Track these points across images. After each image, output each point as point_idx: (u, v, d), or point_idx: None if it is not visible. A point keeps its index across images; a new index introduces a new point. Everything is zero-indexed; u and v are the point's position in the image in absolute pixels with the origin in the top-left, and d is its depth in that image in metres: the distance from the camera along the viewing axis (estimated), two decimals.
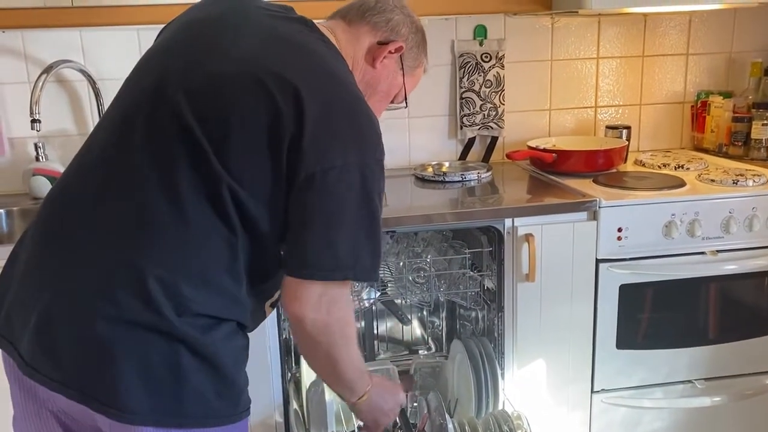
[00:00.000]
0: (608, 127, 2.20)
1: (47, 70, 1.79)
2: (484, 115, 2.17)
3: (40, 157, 1.95)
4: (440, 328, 2.23)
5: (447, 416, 1.44)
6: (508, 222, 1.68)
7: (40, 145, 1.95)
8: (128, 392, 0.93)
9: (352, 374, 1.13)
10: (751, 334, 1.84)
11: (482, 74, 2.15)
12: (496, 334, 1.79)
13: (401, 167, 2.16)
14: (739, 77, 2.28)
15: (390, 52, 1.19)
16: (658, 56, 2.26)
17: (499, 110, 2.18)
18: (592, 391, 1.81)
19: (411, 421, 1.52)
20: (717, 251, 1.76)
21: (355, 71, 1.17)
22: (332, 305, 1.03)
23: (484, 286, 1.86)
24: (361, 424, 1.69)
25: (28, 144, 1.97)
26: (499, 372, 1.69)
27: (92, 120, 2.00)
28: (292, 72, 0.99)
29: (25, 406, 1.05)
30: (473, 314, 2.00)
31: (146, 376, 0.94)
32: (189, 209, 0.97)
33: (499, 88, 2.17)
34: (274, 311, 1.46)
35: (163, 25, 1.17)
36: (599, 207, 1.69)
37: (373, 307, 2.17)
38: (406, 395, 1.38)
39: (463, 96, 2.16)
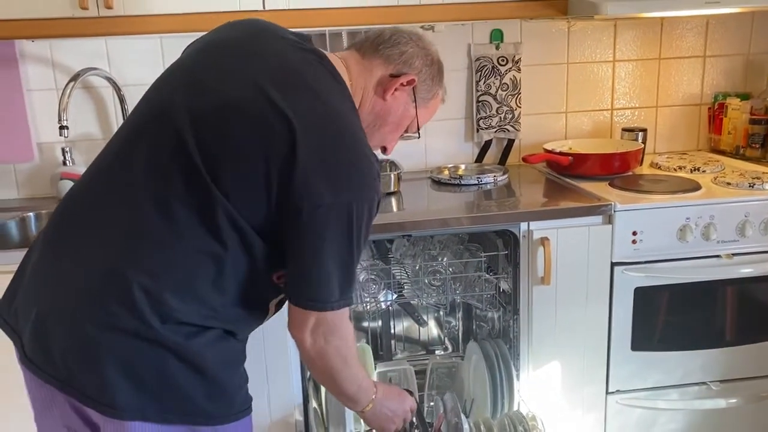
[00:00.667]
0: (624, 130, 2.21)
1: (74, 77, 1.84)
2: (500, 118, 2.20)
3: (68, 162, 2.01)
4: (456, 328, 2.26)
5: (462, 416, 1.47)
6: (523, 226, 1.71)
7: (67, 149, 2.01)
8: (116, 391, 0.99)
9: (351, 389, 1.20)
10: (767, 337, 1.85)
11: (499, 77, 2.17)
12: (511, 336, 1.82)
13: (417, 170, 2.19)
14: (756, 79, 2.28)
15: (402, 85, 1.19)
16: (674, 59, 2.26)
17: (516, 113, 2.20)
18: (607, 393, 1.83)
19: (427, 421, 1.55)
20: (732, 254, 1.77)
21: (364, 103, 1.19)
22: (329, 334, 1.10)
23: (499, 288, 1.88)
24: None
25: (56, 149, 2.03)
26: (514, 373, 1.72)
27: (117, 125, 2.06)
28: (292, 107, 1.03)
29: (38, 392, 1.11)
30: (489, 315, 2.02)
31: (133, 378, 0.99)
32: (180, 225, 1.01)
33: (516, 92, 2.19)
34: None
35: (185, 34, 1.21)
36: (614, 211, 1.71)
37: (390, 308, 2.21)
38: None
39: (480, 99, 2.18)
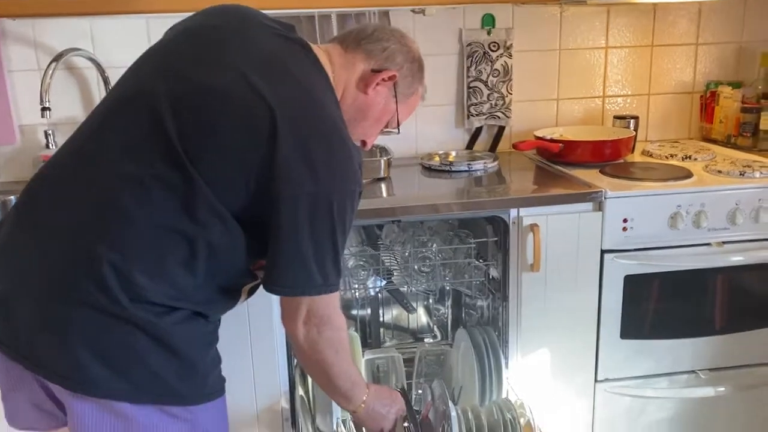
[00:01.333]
0: (616, 117, 2.19)
1: (57, 58, 1.80)
2: (491, 104, 2.17)
3: (50, 144, 1.97)
4: (446, 316, 2.24)
5: (450, 403, 1.46)
6: (513, 212, 1.69)
7: (50, 132, 1.96)
8: (84, 369, 0.98)
9: (345, 384, 1.20)
10: (756, 325, 1.85)
11: (490, 63, 2.14)
12: (500, 324, 1.80)
13: (408, 156, 2.17)
14: (749, 67, 2.27)
15: (383, 80, 1.21)
16: (667, 46, 2.25)
17: (507, 100, 2.18)
18: (596, 381, 1.82)
19: (415, 408, 1.54)
20: (723, 242, 1.76)
21: (346, 97, 1.20)
22: (321, 325, 1.11)
23: (489, 275, 1.87)
24: None
25: (38, 131, 1.99)
26: (503, 361, 1.70)
27: None
28: (273, 95, 1.02)
29: (6, 372, 1.09)
30: (478, 303, 2.01)
31: (102, 356, 0.98)
32: (154, 205, 1.00)
33: (507, 78, 2.16)
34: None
35: (172, 15, 1.18)
36: (605, 198, 1.69)
37: (379, 296, 2.19)
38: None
39: (471, 85, 2.16)
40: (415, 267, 1.89)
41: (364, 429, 1.53)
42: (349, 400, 1.25)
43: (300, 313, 1.10)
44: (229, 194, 1.03)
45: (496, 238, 1.79)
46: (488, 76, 2.15)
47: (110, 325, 0.98)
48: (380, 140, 2.06)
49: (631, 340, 1.80)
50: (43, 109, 1.75)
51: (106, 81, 1.96)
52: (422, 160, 2.08)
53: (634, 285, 1.75)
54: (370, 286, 1.87)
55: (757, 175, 1.78)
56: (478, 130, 2.21)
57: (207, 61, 1.07)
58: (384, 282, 1.92)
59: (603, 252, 1.72)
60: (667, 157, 2.02)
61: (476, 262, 1.83)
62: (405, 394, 1.54)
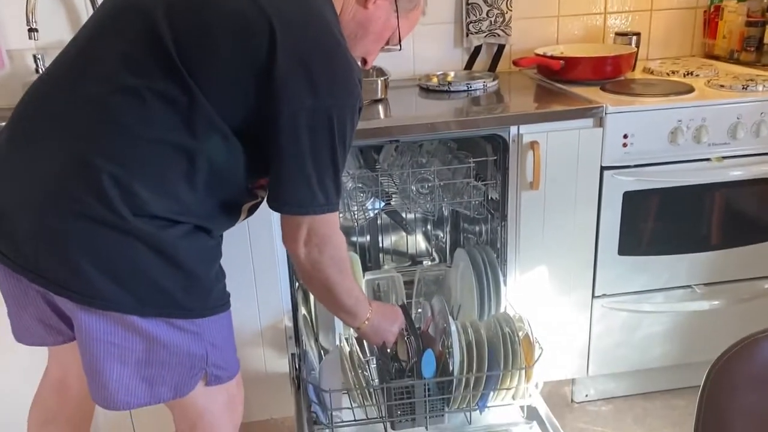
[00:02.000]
0: (617, 34, 2.15)
1: None
2: (490, 21, 2.12)
3: (40, 69, 1.92)
4: (444, 240, 2.26)
5: (450, 318, 1.49)
6: (513, 130, 1.67)
7: (39, 57, 1.92)
8: (88, 281, 0.98)
9: (349, 301, 1.23)
10: (753, 240, 1.86)
11: None
12: (499, 245, 1.82)
13: (406, 78, 2.13)
14: None
15: None
16: None
17: (507, 16, 2.12)
18: (593, 296, 1.85)
19: (416, 325, 1.57)
20: (723, 157, 1.75)
21: (345, 11, 1.17)
22: (323, 245, 1.12)
23: (488, 196, 1.87)
24: None
25: (27, 56, 1.94)
26: (501, 278, 1.73)
27: None
28: (272, 8, 1.00)
29: (11, 288, 1.11)
30: (477, 227, 2.02)
31: (106, 268, 0.98)
32: (153, 116, 0.99)
33: None
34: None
35: None
36: (605, 113, 1.67)
37: (378, 221, 2.20)
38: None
39: (470, 2, 2.09)
40: (414, 188, 1.89)
41: (365, 343, 1.57)
42: (354, 317, 1.28)
43: (301, 233, 1.10)
44: (229, 109, 1.02)
45: (495, 157, 1.78)
46: None
47: (112, 238, 0.98)
48: (377, 61, 2.02)
49: (628, 257, 1.82)
50: (30, 30, 1.71)
51: (93, 2, 1.90)
52: (420, 81, 2.05)
53: (632, 201, 1.76)
54: (369, 208, 1.87)
55: (760, 88, 1.75)
56: (477, 49, 2.16)
57: None
58: (383, 204, 1.92)
59: (603, 168, 1.72)
60: (668, 74, 1.99)
61: (475, 183, 1.83)
62: (405, 309, 1.57)
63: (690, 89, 1.79)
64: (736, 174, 1.76)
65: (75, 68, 1.04)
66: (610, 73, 1.94)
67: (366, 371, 1.53)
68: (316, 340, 1.77)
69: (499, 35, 2.14)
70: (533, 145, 1.66)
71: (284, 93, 1.00)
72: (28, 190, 1.00)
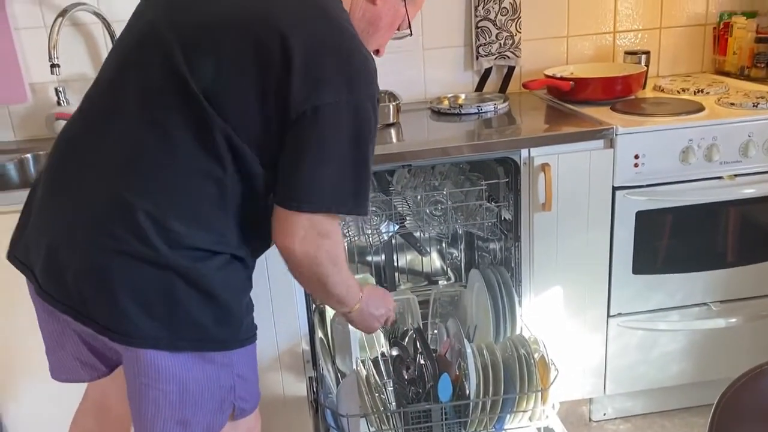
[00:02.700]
0: (627, 53, 2.16)
1: (62, 13, 1.80)
2: (500, 44, 2.15)
3: (62, 102, 1.98)
4: (459, 259, 2.27)
5: (465, 341, 1.50)
6: (524, 152, 1.69)
7: (61, 89, 1.98)
8: (126, 317, 1.00)
9: (341, 291, 1.19)
10: (767, 257, 1.86)
11: (498, 2, 2.10)
12: (513, 264, 1.83)
13: (417, 101, 2.16)
14: None
15: None
16: None
17: (516, 39, 2.15)
18: (609, 316, 1.86)
19: (432, 347, 1.58)
20: (735, 175, 1.76)
21: (354, 11, 1.17)
22: (322, 239, 1.07)
23: (501, 216, 1.88)
24: (384, 350, 1.77)
25: (49, 89, 2.00)
26: (516, 299, 1.74)
27: None
28: (277, 13, 1.01)
29: (50, 326, 1.15)
30: (491, 245, 2.03)
31: (142, 302, 1.01)
32: (177, 148, 1.01)
33: (516, 16, 2.13)
34: None
35: None
36: (616, 134, 1.69)
37: (393, 241, 2.22)
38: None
39: (479, 25, 2.12)
40: (427, 211, 1.91)
41: (382, 366, 1.58)
42: (344, 304, 1.24)
43: (299, 228, 1.05)
44: (250, 127, 1.02)
45: (507, 180, 1.79)
46: (497, 15, 2.12)
47: (150, 273, 1.00)
48: (389, 85, 2.07)
49: (643, 275, 1.82)
50: (53, 65, 1.76)
51: (112, 36, 1.95)
52: (431, 104, 2.08)
53: (645, 221, 1.76)
54: (383, 231, 1.90)
55: None
56: (488, 71, 2.19)
57: (210, 4, 1.05)
58: (397, 227, 1.95)
59: (614, 189, 1.73)
60: (678, 92, 2.00)
61: (488, 204, 1.85)
62: (421, 332, 1.58)
63: (700, 108, 1.80)
64: (749, 192, 1.77)
65: (101, 107, 1.08)
66: (620, 92, 1.96)
67: (383, 394, 1.55)
68: (333, 362, 1.79)
69: (508, 57, 2.16)
70: (544, 167, 1.68)
71: (303, 94, 1.00)
72: (70, 230, 1.03)
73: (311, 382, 1.74)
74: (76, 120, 1.11)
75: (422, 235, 2.14)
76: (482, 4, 2.10)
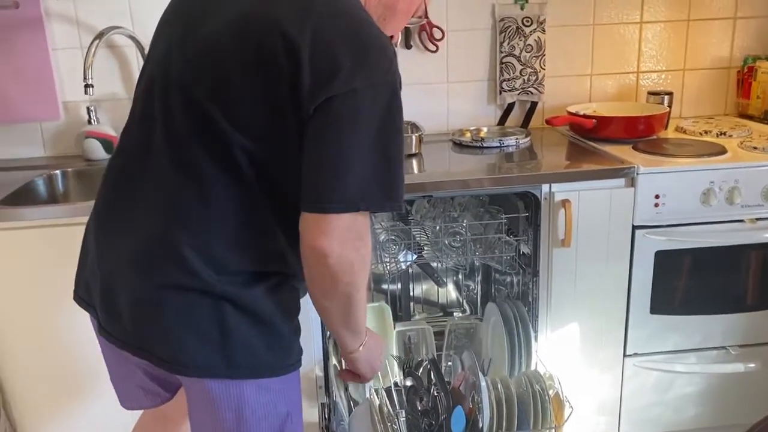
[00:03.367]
0: (650, 93, 2.17)
1: (99, 36, 1.85)
2: (524, 80, 2.17)
3: (93, 121, 2.03)
4: (475, 291, 2.27)
5: (480, 374, 1.50)
6: (545, 187, 1.70)
7: (92, 108, 2.03)
8: (182, 349, 1.01)
9: (361, 316, 1.11)
10: None
11: (523, 39, 2.14)
12: (530, 299, 1.83)
13: (439, 132, 2.18)
14: None
15: None
16: (704, 20, 2.21)
17: (540, 75, 2.17)
18: (625, 355, 1.84)
19: (446, 379, 1.58)
20: (756, 219, 1.75)
21: None
22: (358, 240, 1.00)
23: (519, 250, 1.89)
24: (398, 380, 1.76)
25: (81, 108, 2.05)
26: (532, 334, 1.73)
27: None
28: (276, 7, 0.96)
29: (114, 361, 1.18)
30: (508, 279, 2.03)
31: (195, 332, 1.01)
32: (208, 180, 1.01)
33: (540, 53, 2.16)
34: None
35: None
36: (637, 174, 1.69)
37: (410, 270, 2.22)
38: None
39: (503, 61, 2.15)
40: (446, 242, 1.92)
41: (395, 396, 1.57)
42: (358, 335, 1.15)
43: (338, 228, 0.97)
44: (267, 134, 0.99)
45: (527, 214, 1.80)
46: (521, 52, 2.15)
47: (200, 302, 1.00)
48: (412, 116, 2.09)
49: (660, 316, 1.81)
50: (87, 85, 1.80)
51: (144, 56, 2.01)
52: (453, 136, 2.10)
53: (665, 261, 1.76)
54: (402, 260, 1.91)
55: None
56: (511, 105, 2.21)
57: (210, 11, 1.03)
58: (415, 257, 1.96)
59: (634, 228, 1.73)
60: (701, 134, 2.01)
61: (507, 238, 1.85)
62: (435, 363, 1.58)
63: (723, 150, 1.80)
64: None
65: (136, 143, 1.08)
66: (643, 132, 1.97)
67: (395, 425, 1.54)
68: (346, 390, 1.79)
69: (532, 93, 2.19)
70: (565, 203, 1.69)
71: (316, 87, 0.94)
72: (119, 268, 1.05)
73: (323, 409, 1.74)
74: (119, 153, 1.12)
75: (439, 265, 2.15)
76: (507, 41, 2.14)
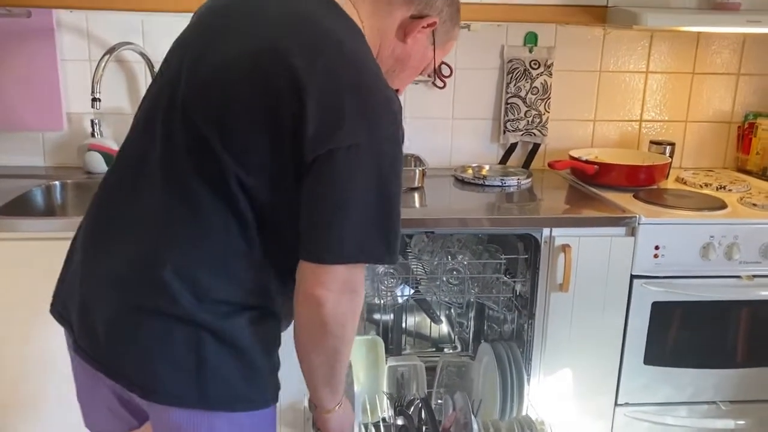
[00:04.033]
0: (652, 143, 2.20)
1: (110, 51, 1.85)
2: (528, 121, 2.19)
3: (96, 134, 2.02)
4: (468, 328, 2.26)
5: (472, 416, 1.48)
6: (545, 231, 1.70)
7: (96, 121, 2.02)
8: (155, 375, 0.99)
9: (343, 374, 1.12)
10: None
11: (529, 81, 2.16)
12: (525, 340, 1.82)
13: (442, 167, 2.19)
14: None
15: (423, 27, 1.12)
16: (708, 74, 2.24)
17: (544, 117, 2.19)
18: (616, 404, 1.83)
19: (437, 418, 1.56)
20: (753, 276, 1.76)
21: (383, 46, 1.12)
22: (353, 292, 1.02)
23: (516, 291, 1.88)
24: (386, 416, 1.74)
25: (85, 120, 2.04)
26: (525, 377, 1.72)
27: None
28: (289, 46, 0.96)
29: (84, 380, 1.14)
30: (501, 317, 2.03)
31: (170, 359, 0.99)
32: (201, 205, 0.99)
33: (546, 96, 2.18)
34: None
35: None
36: (638, 224, 1.70)
37: (405, 303, 2.21)
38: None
39: (509, 101, 2.17)
40: (444, 278, 1.91)
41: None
42: (336, 393, 1.14)
43: (335, 280, 0.98)
44: (265, 169, 0.98)
45: (526, 256, 1.80)
46: (527, 94, 2.17)
47: (178, 330, 0.99)
48: (416, 150, 2.11)
49: (654, 367, 1.80)
50: (94, 99, 1.80)
51: (153, 75, 2.00)
52: (456, 172, 2.10)
53: (661, 312, 1.76)
54: (398, 294, 1.89)
55: None
56: (513, 145, 2.22)
57: (220, 40, 1.03)
58: (412, 291, 1.94)
59: (632, 277, 1.73)
60: (701, 186, 2.02)
61: (505, 278, 1.85)
62: (427, 402, 1.56)
63: (723, 205, 1.81)
64: (766, 294, 1.76)
65: (132, 162, 1.07)
66: (644, 181, 1.98)
67: None
68: None
69: (535, 134, 2.20)
70: (565, 248, 1.69)
71: (319, 136, 0.94)
72: (100, 286, 1.03)
73: None
74: (113, 172, 1.11)
75: (434, 297, 2.14)
76: (514, 82, 2.16)
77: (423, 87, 2.14)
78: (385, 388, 1.82)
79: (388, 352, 2.11)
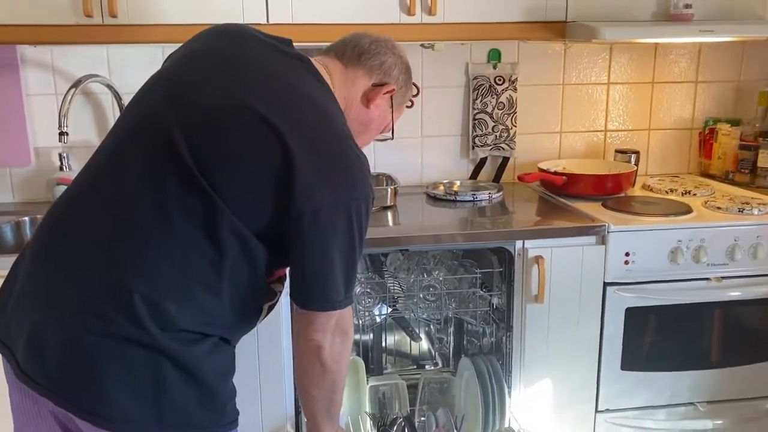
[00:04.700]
0: (617, 151, 2.24)
1: (76, 84, 1.84)
2: (496, 136, 2.22)
3: (64, 167, 2.00)
4: (447, 344, 2.27)
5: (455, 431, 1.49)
6: (518, 243, 1.73)
7: (65, 155, 2.00)
8: (111, 401, 0.98)
9: (340, 403, 1.23)
10: (754, 360, 1.88)
11: (495, 96, 2.20)
12: (504, 352, 1.83)
13: (413, 185, 2.21)
14: (746, 106, 2.33)
15: (383, 94, 1.27)
16: (667, 83, 2.31)
17: (511, 132, 2.23)
18: (597, 411, 1.85)
19: None
20: (722, 278, 1.80)
21: (349, 111, 1.24)
22: (343, 334, 1.15)
23: (493, 305, 1.90)
24: None
25: (53, 154, 2.03)
26: (506, 390, 1.73)
27: None
28: (281, 120, 1.05)
29: (24, 407, 1.10)
30: (480, 331, 2.04)
31: (129, 386, 0.99)
32: (178, 232, 1.01)
33: (512, 111, 2.22)
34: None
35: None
36: (608, 232, 1.73)
37: (383, 322, 2.21)
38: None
39: (476, 117, 2.21)
40: (421, 295, 1.93)
41: None
42: (335, 423, 1.25)
43: (329, 325, 1.12)
44: (251, 215, 1.04)
45: (501, 269, 1.82)
46: (493, 109, 2.20)
47: (140, 355, 0.99)
48: (387, 168, 2.13)
49: (631, 372, 1.83)
50: (61, 133, 1.79)
51: (121, 107, 2.00)
52: (427, 189, 2.13)
53: (635, 317, 1.79)
54: (376, 313, 1.90)
55: (756, 212, 1.82)
56: (483, 160, 2.26)
57: (212, 85, 1.09)
58: (390, 309, 1.95)
59: (605, 284, 1.76)
60: (667, 192, 2.07)
61: (481, 292, 1.87)
62: (410, 420, 1.56)
63: (688, 209, 1.86)
64: (735, 294, 1.81)
65: (98, 187, 1.07)
66: (611, 189, 2.03)
67: None
68: None
69: (503, 149, 2.24)
70: (538, 259, 1.72)
71: (303, 195, 1.03)
72: (56, 310, 1.01)
73: None
74: (69, 195, 1.10)
75: (412, 315, 2.15)
76: (480, 98, 2.19)
77: None
78: (367, 408, 1.82)
79: (369, 371, 2.11)
